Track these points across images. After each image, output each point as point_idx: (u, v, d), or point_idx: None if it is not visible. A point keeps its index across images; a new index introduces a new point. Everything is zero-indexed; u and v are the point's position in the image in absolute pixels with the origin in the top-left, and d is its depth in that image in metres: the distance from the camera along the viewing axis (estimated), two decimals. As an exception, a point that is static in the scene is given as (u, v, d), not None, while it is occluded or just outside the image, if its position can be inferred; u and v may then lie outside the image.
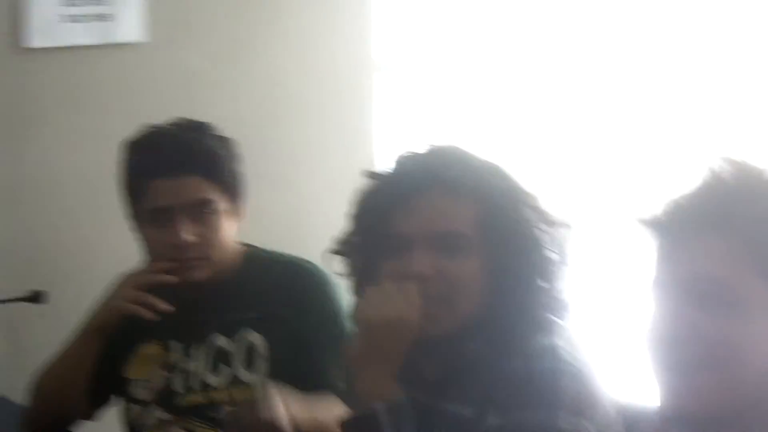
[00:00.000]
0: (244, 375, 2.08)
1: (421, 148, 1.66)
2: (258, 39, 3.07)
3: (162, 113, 2.84)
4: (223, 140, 2.13)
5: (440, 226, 1.59)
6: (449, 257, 1.58)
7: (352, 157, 3.15)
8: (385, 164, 1.71)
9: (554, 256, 1.61)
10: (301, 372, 2.05)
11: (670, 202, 1.35)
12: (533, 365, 1.55)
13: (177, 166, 2.05)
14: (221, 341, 2.11)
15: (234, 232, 2.13)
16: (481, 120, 3.36)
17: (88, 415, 2.20)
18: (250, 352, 2.08)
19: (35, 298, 2.32)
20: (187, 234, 2.04)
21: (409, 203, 1.59)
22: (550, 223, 1.64)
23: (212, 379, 2.10)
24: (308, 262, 2.17)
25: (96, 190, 2.73)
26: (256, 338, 2.09)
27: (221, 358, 2.10)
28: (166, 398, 2.12)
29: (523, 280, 1.59)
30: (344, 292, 2.09)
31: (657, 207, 1.35)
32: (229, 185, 2.10)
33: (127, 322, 2.11)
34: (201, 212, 2.05)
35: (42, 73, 2.75)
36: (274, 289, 2.11)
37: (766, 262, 1.28)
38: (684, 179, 1.35)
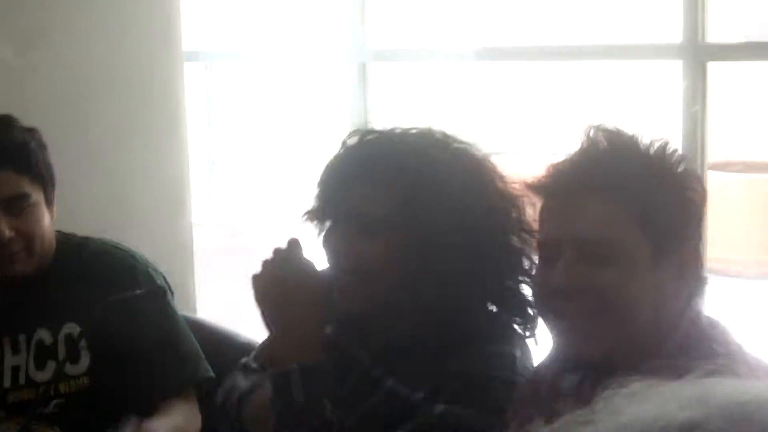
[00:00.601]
0: (69, 368, 2.07)
1: (369, 133, 1.73)
2: (65, 26, 3.06)
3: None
4: (31, 132, 2.11)
5: (358, 208, 1.67)
6: (362, 238, 1.65)
7: (163, 145, 3.21)
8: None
9: (497, 247, 1.67)
10: (125, 359, 2.05)
11: (554, 168, 1.50)
12: (491, 370, 1.62)
13: None
14: (44, 335, 2.10)
15: (49, 222, 2.11)
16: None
17: None
18: (72, 344, 2.07)
19: None
20: (6, 229, 2.02)
21: (343, 184, 1.69)
22: (496, 213, 1.70)
23: (38, 375, 2.09)
24: (121, 246, 2.19)
25: None
26: (76, 330, 2.08)
27: (45, 352, 2.09)
28: None
29: (451, 266, 1.63)
30: (158, 273, 2.17)
31: (543, 173, 1.50)
32: (41, 176, 2.09)
33: None
34: (17, 206, 2.04)
35: None
36: (89, 277, 2.11)
37: (643, 217, 1.43)
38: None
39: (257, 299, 1.69)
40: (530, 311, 1.69)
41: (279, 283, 1.65)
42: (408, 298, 1.65)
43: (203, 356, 2.14)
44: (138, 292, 2.03)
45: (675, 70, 3.21)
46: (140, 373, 2.04)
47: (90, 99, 3.10)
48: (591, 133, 1.48)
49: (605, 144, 1.48)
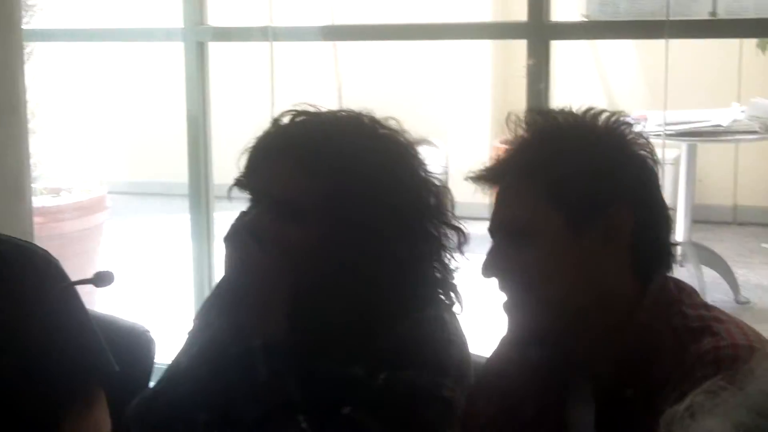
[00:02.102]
0: None
1: (300, 115, 1.71)
2: None
3: None
4: None
5: (280, 192, 1.64)
6: (283, 222, 1.63)
7: (0, 130, 3.11)
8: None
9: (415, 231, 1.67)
10: (26, 354, 1.95)
11: (494, 159, 1.55)
12: (424, 333, 1.63)
13: None
14: None
15: None
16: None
17: None
18: None
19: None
20: None
21: (266, 163, 1.67)
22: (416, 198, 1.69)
23: None
24: (30, 244, 2.12)
25: None
26: None
27: None
28: None
29: (373, 252, 1.62)
30: (63, 274, 2.06)
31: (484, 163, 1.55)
32: None
33: None
34: None
35: None
36: None
37: (550, 189, 1.45)
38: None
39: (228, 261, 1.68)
40: (451, 282, 1.72)
41: (249, 249, 1.64)
42: (332, 282, 1.64)
43: (107, 352, 2.06)
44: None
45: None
46: (42, 369, 1.96)
47: None
48: (513, 119, 1.52)
49: (524, 127, 1.52)
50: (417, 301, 1.67)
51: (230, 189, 1.72)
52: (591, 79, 6.68)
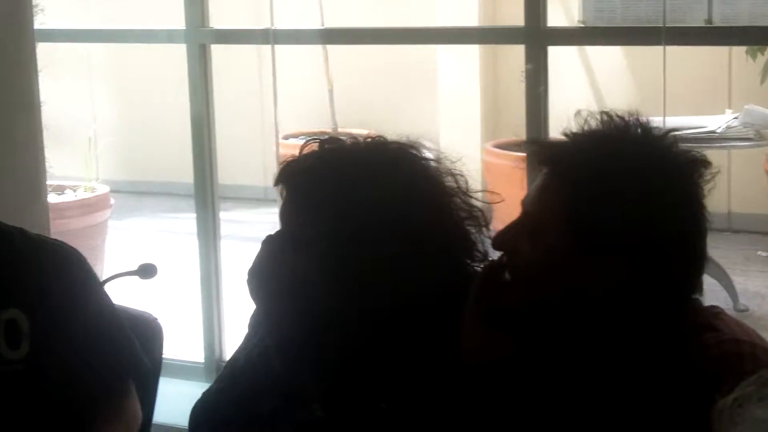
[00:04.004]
0: (6, 352, 2.01)
1: (327, 143, 1.68)
2: None
3: None
4: None
5: (290, 225, 1.65)
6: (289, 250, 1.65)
7: (16, 128, 3.17)
8: None
9: None
10: (65, 349, 2.02)
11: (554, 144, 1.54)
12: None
13: None
14: None
15: None
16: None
17: None
18: (12, 329, 2.01)
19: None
20: None
21: (286, 194, 1.67)
22: None
23: None
24: (61, 242, 2.15)
25: None
26: (17, 315, 2.02)
27: None
28: None
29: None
30: (94, 272, 2.14)
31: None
32: None
33: None
34: None
35: None
36: (32, 267, 2.05)
37: (573, 209, 1.43)
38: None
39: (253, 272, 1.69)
40: None
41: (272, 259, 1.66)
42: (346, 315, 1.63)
43: (137, 345, 2.12)
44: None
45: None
46: (80, 364, 2.03)
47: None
48: (585, 117, 1.49)
49: (590, 129, 1.48)
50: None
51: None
52: (581, 84, 6.76)
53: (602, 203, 1.42)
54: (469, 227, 1.67)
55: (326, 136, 1.71)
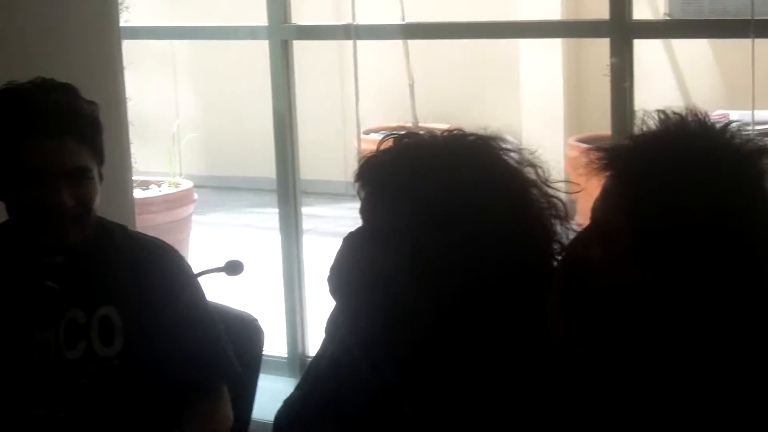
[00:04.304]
0: (100, 349, 2.03)
1: (403, 138, 1.66)
2: (3, 4, 3.02)
3: None
4: (94, 105, 2.06)
5: (372, 218, 1.63)
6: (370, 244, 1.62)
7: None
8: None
9: None
10: (158, 347, 2.04)
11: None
12: None
13: (55, 127, 1.96)
14: (77, 314, 2.04)
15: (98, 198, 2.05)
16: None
17: None
18: (108, 326, 2.04)
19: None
20: (67, 198, 1.96)
21: (366, 189, 1.63)
22: None
23: (68, 353, 2.03)
24: (159, 240, 2.17)
25: None
26: (112, 312, 2.04)
27: (77, 331, 2.03)
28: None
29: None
30: (192, 271, 2.15)
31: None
32: (99, 150, 2.04)
33: None
34: (78, 177, 1.98)
35: None
36: (129, 263, 2.07)
37: (635, 209, 1.38)
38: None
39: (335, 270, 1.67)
40: None
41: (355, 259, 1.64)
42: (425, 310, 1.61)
43: (230, 348, 2.12)
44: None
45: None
46: (173, 364, 2.04)
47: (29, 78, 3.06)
48: (643, 116, 1.46)
49: (648, 128, 1.45)
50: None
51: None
52: (666, 78, 6.66)
53: (666, 203, 1.38)
54: (548, 219, 1.64)
55: (404, 131, 1.70)
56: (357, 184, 1.66)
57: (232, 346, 2.13)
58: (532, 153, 1.66)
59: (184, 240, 5.29)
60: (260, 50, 4.04)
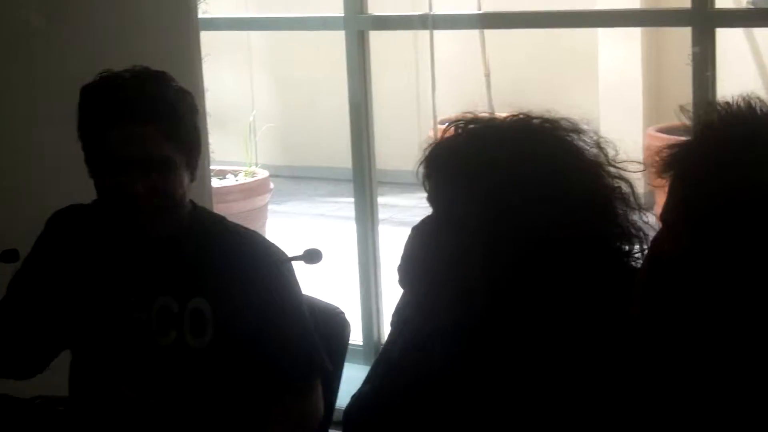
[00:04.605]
0: (191, 340, 2.03)
1: (468, 124, 1.66)
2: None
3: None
4: (183, 93, 2.06)
5: (443, 205, 1.62)
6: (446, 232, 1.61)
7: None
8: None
9: None
10: (248, 339, 2.03)
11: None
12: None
13: (137, 115, 1.97)
14: (170, 302, 2.04)
15: (187, 186, 2.05)
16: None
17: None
18: (198, 316, 2.03)
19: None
20: (144, 186, 1.96)
21: (432, 176, 1.63)
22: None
23: (161, 339, 2.03)
24: (255, 232, 2.15)
25: None
26: (203, 304, 2.03)
27: (169, 319, 2.03)
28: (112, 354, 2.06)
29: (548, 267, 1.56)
30: (288, 264, 2.10)
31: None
32: (186, 139, 2.03)
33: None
34: (156, 165, 1.97)
35: None
36: (224, 256, 2.04)
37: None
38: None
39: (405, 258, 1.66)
40: None
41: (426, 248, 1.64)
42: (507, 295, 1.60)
43: (320, 344, 2.11)
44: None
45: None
46: (266, 359, 2.04)
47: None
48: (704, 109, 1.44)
49: (708, 121, 1.42)
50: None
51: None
52: (748, 67, 6.53)
53: (720, 200, 1.35)
54: (614, 199, 1.63)
55: (468, 118, 1.68)
56: (422, 173, 1.65)
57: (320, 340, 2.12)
58: (596, 133, 1.66)
59: (260, 229, 5.33)
60: (337, 39, 4.04)
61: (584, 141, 1.65)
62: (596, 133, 1.66)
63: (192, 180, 2.08)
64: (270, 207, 5.75)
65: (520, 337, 1.61)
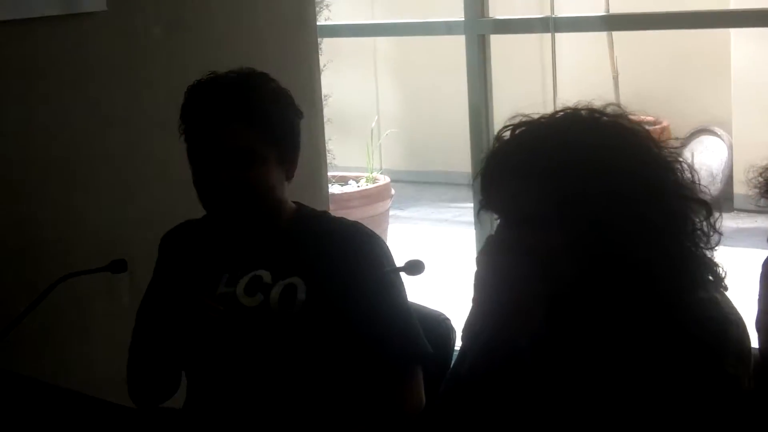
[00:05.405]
0: (275, 304, 2.08)
1: (520, 126, 1.69)
2: (205, 6, 3.11)
3: (119, 81, 2.90)
4: (279, 92, 2.12)
5: (514, 206, 1.64)
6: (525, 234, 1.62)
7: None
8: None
9: None
10: (350, 324, 2.06)
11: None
12: (699, 316, 1.60)
13: (225, 113, 2.04)
14: (264, 274, 2.10)
15: (278, 180, 2.11)
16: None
17: None
18: (289, 290, 2.08)
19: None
20: (228, 177, 2.03)
21: (497, 181, 1.66)
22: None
23: (245, 299, 2.10)
24: (359, 224, 2.20)
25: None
26: (298, 281, 2.08)
27: (259, 285, 2.10)
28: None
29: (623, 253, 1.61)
30: (390, 255, 2.16)
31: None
32: (277, 136, 2.08)
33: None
34: (243, 159, 2.04)
35: (3, 46, 2.69)
36: (326, 246, 2.10)
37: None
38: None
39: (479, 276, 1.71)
40: (712, 260, 1.68)
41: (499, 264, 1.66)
42: (590, 282, 1.62)
43: (420, 329, 2.13)
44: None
45: None
46: (364, 341, 2.06)
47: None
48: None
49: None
50: (686, 283, 1.63)
51: (477, 214, 1.73)
52: None
53: None
54: (672, 177, 1.66)
55: (516, 121, 1.70)
56: (477, 182, 1.68)
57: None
58: (643, 120, 1.67)
59: (381, 234, 5.31)
60: (460, 44, 4.01)
61: (635, 125, 1.70)
62: (643, 118, 1.68)
63: (288, 178, 2.14)
64: (392, 212, 5.75)
65: (609, 325, 1.61)
